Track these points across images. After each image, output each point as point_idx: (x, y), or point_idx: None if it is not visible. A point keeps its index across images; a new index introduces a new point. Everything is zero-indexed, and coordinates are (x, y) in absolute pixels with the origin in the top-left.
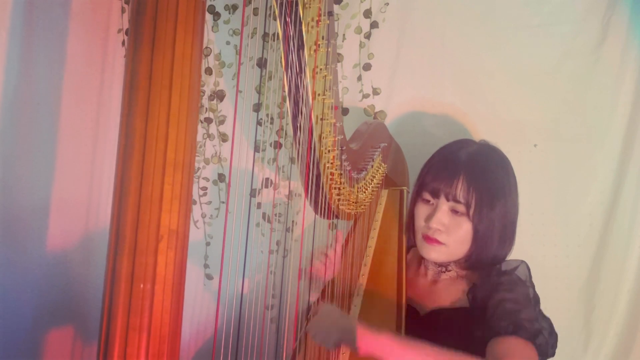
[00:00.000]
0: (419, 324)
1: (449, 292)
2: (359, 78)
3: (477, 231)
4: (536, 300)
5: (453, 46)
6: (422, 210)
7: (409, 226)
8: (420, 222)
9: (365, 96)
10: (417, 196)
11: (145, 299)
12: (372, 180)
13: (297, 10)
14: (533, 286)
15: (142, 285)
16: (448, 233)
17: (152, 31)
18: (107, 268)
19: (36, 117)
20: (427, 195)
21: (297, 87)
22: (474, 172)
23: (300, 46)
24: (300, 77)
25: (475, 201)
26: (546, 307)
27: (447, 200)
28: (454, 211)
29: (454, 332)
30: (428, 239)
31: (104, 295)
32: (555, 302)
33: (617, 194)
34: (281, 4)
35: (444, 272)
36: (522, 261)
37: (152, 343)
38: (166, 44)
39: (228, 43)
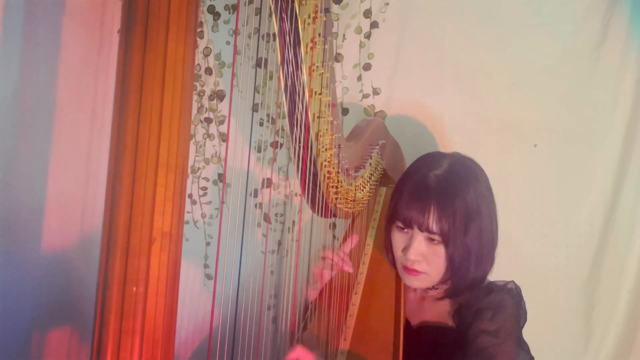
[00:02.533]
0: (412, 335)
1: (435, 309)
2: (359, 78)
3: (453, 259)
4: (522, 319)
5: (453, 46)
6: (398, 239)
7: (389, 252)
8: (398, 252)
9: (365, 96)
10: (391, 221)
11: (138, 302)
12: (370, 178)
13: (293, 7)
14: (522, 305)
15: (134, 289)
16: (427, 262)
17: (143, 30)
18: (99, 271)
19: (33, 117)
20: (400, 224)
21: (293, 84)
22: (444, 200)
23: (297, 43)
24: (297, 75)
25: (449, 229)
26: (546, 307)
27: (421, 230)
28: (430, 239)
29: (442, 350)
30: (408, 270)
31: (96, 298)
32: (555, 302)
33: (617, 194)
34: (277, 0)
35: (431, 290)
36: (512, 281)
37: (145, 347)
38: (158, 42)
39: (228, 43)
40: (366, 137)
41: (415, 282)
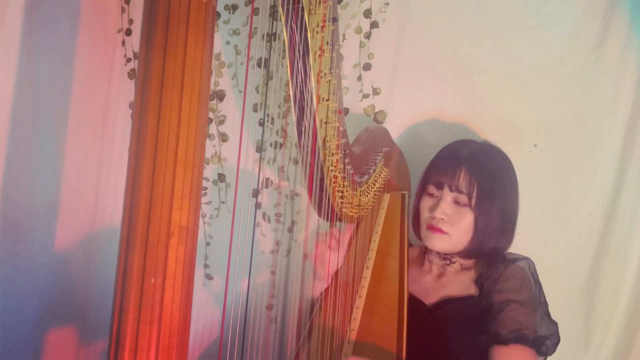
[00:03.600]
0: (426, 315)
1: (456, 282)
2: (359, 78)
3: (478, 222)
4: (543, 300)
5: (453, 46)
6: (426, 203)
7: (415, 222)
8: (425, 214)
9: (365, 96)
10: (422, 191)
11: (156, 293)
12: (374, 184)
13: (302, 16)
14: (539, 284)
15: (153, 280)
16: (451, 223)
17: (164, 33)
18: (119, 263)
19: (39, 118)
20: (431, 189)
21: (302, 92)
22: (475, 166)
23: (306, 52)
24: (306, 82)
25: (477, 192)
26: None
27: (451, 190)
28: (457, 202)
29: (461, 322)
30: (432, 228)
31: (116, 289)
32: (555, 302)
33: (617, 194)
34: (287, 10)
35: (449, 265)
36: (528, 257)
37: (162, 336)
38: (178, 46)
39: (228, 43)
40: (370, 144)
41: (437, 242)
